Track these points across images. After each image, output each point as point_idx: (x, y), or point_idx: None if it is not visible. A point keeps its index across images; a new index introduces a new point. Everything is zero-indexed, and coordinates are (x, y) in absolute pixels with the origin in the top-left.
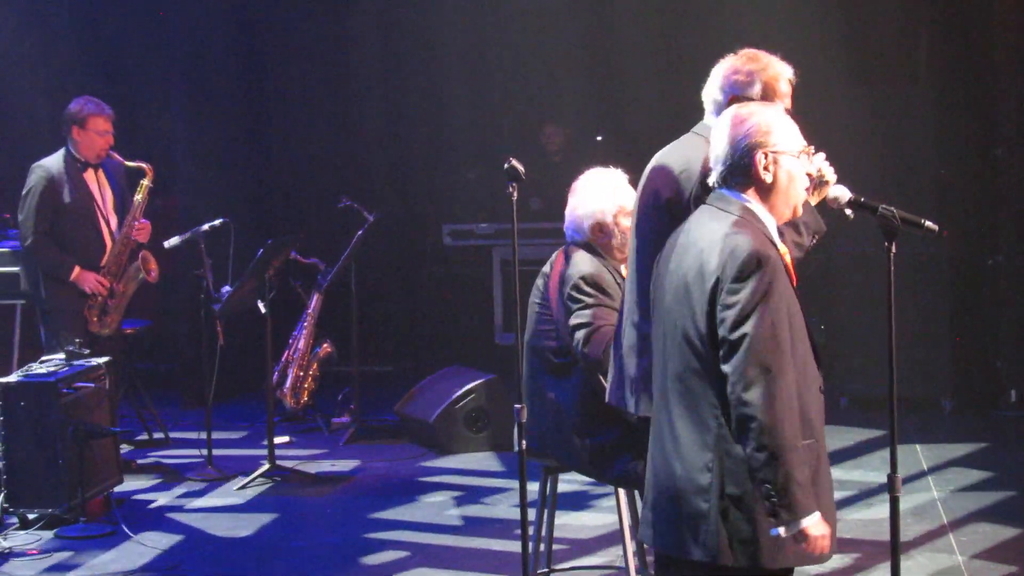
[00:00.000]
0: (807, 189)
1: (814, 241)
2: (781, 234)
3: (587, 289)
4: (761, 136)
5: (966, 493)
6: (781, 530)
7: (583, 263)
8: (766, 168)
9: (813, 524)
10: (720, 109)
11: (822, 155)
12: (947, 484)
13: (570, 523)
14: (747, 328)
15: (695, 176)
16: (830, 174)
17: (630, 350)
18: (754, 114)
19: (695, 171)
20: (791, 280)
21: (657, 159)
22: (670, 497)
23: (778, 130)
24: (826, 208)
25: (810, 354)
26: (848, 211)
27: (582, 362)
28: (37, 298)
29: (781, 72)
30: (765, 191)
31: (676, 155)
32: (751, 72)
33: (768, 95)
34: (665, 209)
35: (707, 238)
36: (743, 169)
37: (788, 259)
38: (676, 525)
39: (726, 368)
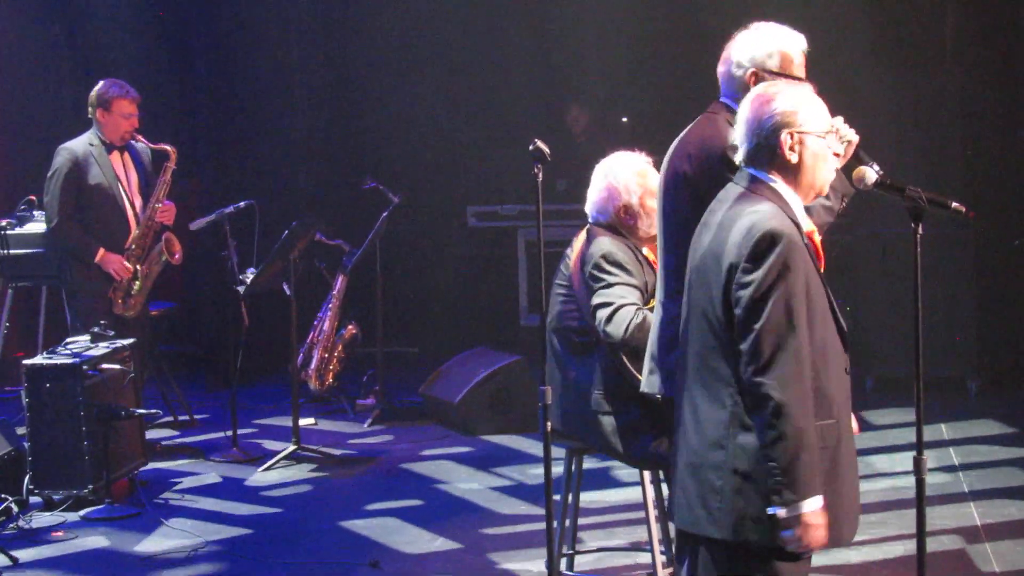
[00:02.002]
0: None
1: (844, 204)
2: (809, 211)
3: (609, 268)
4: (787, 116)
5: (992, 473)
6: (781, 511)
7: (605, 243)
8: (791, 148)
9: (811, 512)
10: (738, 83)
11: (840, 118)
12: (973, 464)
13: (595, 503)
14: (761, 307)
15: (712, 154)
16: (851, 134)
17: (657, 330)
18: (780, 93)
19: (709, 148)
20: (818, 260)
21: (677, 142)
22: (688, 474)
23: (804, 110)
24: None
25: (834, 334)
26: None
27: (604, 341)
28: (62, 280)
29: (795, 43)
30: (790, 171)
31: (692, 135)
32: (766, 44)
33: (785, 66)
34: (684, 189)
35: (727, 218)
36: (769, 149)
37: (817, 239)
38: (693, 502)
39: (742, 347)
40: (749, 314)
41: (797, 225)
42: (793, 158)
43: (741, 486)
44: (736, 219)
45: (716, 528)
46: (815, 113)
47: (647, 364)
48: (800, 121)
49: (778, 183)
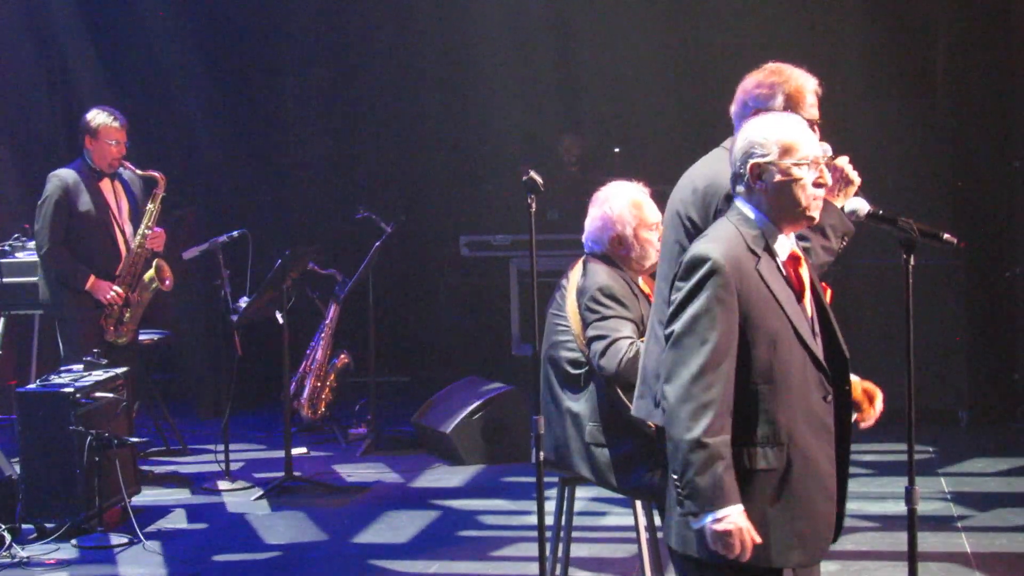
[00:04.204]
0: (834, 191)
1: (844, 243)
2: (808, 252)
3: (604, 301)
4: (755, 147)
5: (983, 505)
6: (694, 524)
7: (600, 274)
8: (759, 178)
9: (721, 519)
10: None
11: (846, 158)
12: (964, 496)
13: (587, 534)
14: (675, 325)
15: (721, 191)
16: (854, 176)
17: (655, 361)
18: (757, 124)
19: (720, 185)
20: (795, 286)
21: (686, 174)
22: (670, 489)
23: (775, 141)
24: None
25: (802, 361)
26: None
27: (598, 374)
28: (54, 307)
29: (804, 84)
30: (761, 199)
31: (702, 170)
32: (773, 85)
33: (791, 107)
34: (686, 221)
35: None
36: (740, 178)
37: (806, 273)
38: (668, 516)
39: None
40: (668, 326)
41: (755, 252)
42: (760, 187)
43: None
44: (692, 243)
45: (674, 540)
46: (788, 144)
47: (638, 388)
48: (766, 152)
49: (750, 209)
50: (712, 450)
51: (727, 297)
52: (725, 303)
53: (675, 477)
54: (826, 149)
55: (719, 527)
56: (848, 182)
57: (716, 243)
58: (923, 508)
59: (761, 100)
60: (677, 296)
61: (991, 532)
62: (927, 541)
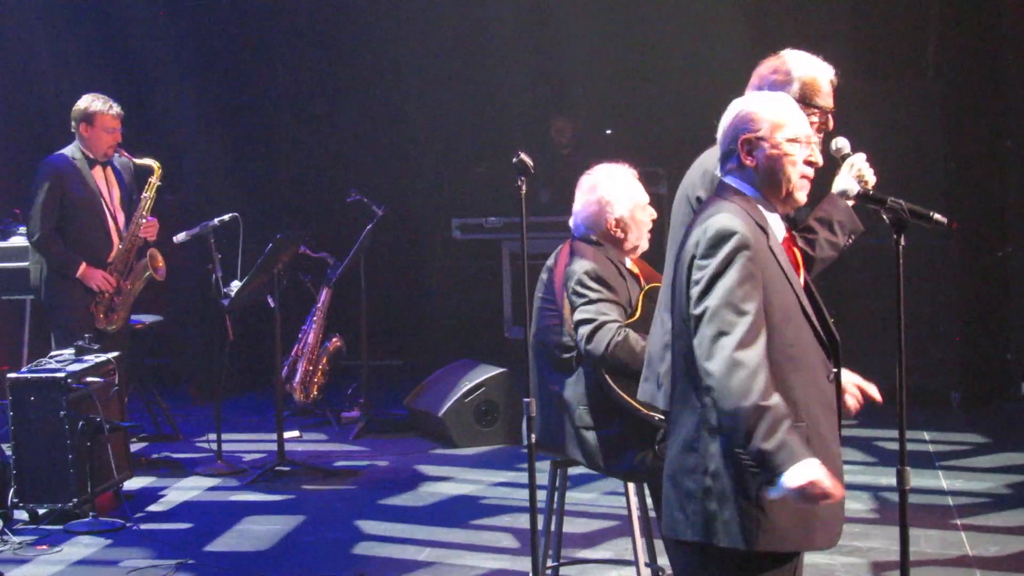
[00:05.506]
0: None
1: (851, 240)
2: (813, 245)
3: (591, 284)
4: (746, 123)
5: (975, 486)
6: (773, 491)
7: (587, 259)
8: (749, 154)
9: (797, 475)
10: None
11: (863, 155)
12: (956, 477)
13: (579, 516)
14: (708, 301)
15: None
16: (870, 175)
17: (660, 344)
18: (746, 101)
19: None
20: (795, 268)
21: (699, 158)
22: (670, 484)
23: (765, 117)
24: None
25: (811, 341)
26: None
27: (586, 357)
28: (45, 293)
29: (820, 73)
30: (753, 177)
31: (714, 154)
32: (789, 72)
33: (806, 95)
34: (697, 203)
35: (697, 221)
36: (731, 154)
37: (798, 253)
38: (673, 507)
39: (694, 342)
40: (697, 304)
41: (763, 228)
42: (751, 163)
43: (712, 487)
44: (699, 221)
45: (691, 531)
46: (778, 120)
47: (644, 371)
48: (756, 128)
49: (745, 188)
50: (774, 411)
51: (755, 270)
52: (755, 276)
53: (740, 451)
54: (843, 145)
55: (802, 478)
56: (863, 182)
57: (732, 219)
58: (915, 489)
59: (776, 86)
60: (703, 273)
61: (983, 512)
62: (919, 521)
